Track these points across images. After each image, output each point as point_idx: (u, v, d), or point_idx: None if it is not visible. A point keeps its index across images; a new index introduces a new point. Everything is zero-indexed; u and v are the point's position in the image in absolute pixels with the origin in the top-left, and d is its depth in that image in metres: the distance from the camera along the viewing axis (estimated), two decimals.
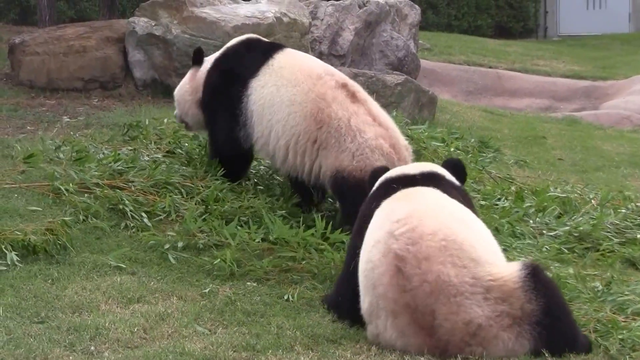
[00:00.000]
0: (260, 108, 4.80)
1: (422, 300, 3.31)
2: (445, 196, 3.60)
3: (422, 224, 3.41)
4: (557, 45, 17.14)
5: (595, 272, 4.54)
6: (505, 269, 3.37)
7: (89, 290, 3.86)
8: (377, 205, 3.64)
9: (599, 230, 5.14)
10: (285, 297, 3.99)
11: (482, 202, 5.53)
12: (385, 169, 3.94)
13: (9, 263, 4.02)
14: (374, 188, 3.83)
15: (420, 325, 3.33)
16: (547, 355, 3.34)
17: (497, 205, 5.55)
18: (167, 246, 4.37)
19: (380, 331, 3.46)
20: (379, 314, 3.45)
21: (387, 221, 3.51)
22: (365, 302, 3.54)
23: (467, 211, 3.61)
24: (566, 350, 3.37)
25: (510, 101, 12.22)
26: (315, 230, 4.52)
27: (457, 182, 3.83)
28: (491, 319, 3.26)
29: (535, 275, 3.34)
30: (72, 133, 6.03)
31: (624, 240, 5.13)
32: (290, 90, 4.71)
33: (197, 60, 5.29)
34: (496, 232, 4.96)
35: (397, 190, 3.62)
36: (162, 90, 7.76)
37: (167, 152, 5.52)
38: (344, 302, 3.75)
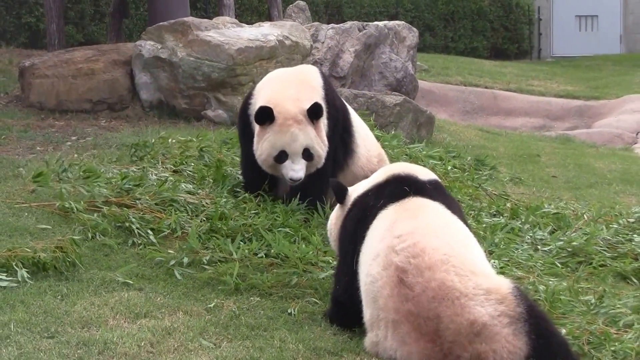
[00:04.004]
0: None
1: (426, 305, 3.39)
2: (448, 212, 3.71)
3: (424, 240, 3.50)
4: (551, 66, 17.28)
5: (588, 286, 4.59)
6: (499, 279, 3.55)
7: (97, 306, 3.91)
8: (384, 206, 3.72)
9: (592, 245, 5.20)
10: (288, 312, 4.05)
11: (486, 220, 5.59)
12: (339, 182, 4.14)
13: (20, 280, 4.06)
14: (380, 181, 3.89)
15: (422, 332, 3.40)
16: None
17: (492, 221, 5.61)
18: (172, 262, 4.43)
19: (380, 340, 3.53)
20: (379, 325, 3.52)
21: (388, 235, 3.58)
22: (366, 314, 3.62)
23: (464, 228, 3.73)
24: (554, 347, 3.49)
25: (506, 120, 12.36)
26: (315, 247, 4.62)
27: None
28: (494, 317, 3.37)
29: (517, 287, 3.53)
30: (80, 153, 6.07)
31: (615, 254, 5.18)
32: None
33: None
34: (495, 247, 5.04)
35: (408, 196, 3.71)
36: (168, 111, 7.84)
37: (174, 171, 5.58)
38: (343, 299, 3.86)
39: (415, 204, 3.70)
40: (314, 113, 5.01)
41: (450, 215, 3.70)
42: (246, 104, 5.33)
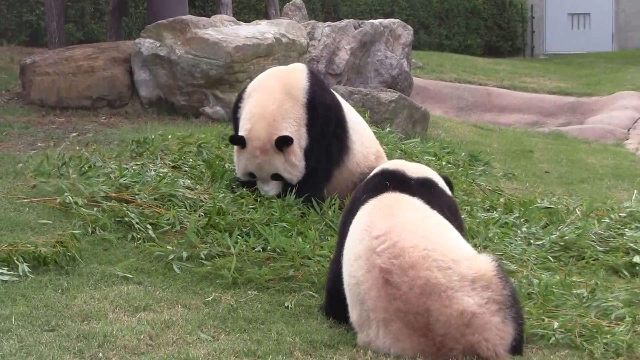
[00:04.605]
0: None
1: (414, 302, 3.42)
2: (425, 207, 3.71)
3: (401, 239, 3.52)
4: (544, 64, 17.33)
5: (580, 280, 4.63)
6: (482, 261, 3.54)
7: (97, 300, 3.95)
8: (365, 201, 3.76)
9: (584, 239, 5.24)
10: (285, 305, 4.09)
11: (480, 215, 5.64)
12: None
13: (21, 274, 4.11)
14: (370, 176, 3.96)
15: (414, 328, 3.43)
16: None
17: (486, 216, 5.66)
18: (171, 257, 4.48)
19: (372, 339, 3.56)
20: (370, 325, 3.54)
21: (366, 236, 3.61)
22: (353, 314, 3.64)
23: (441, 218, 3.71)
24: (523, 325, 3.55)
25: (499, 117, 12.41)
26: (312, 241, 4.67)
27: (447, 191, 4.00)
28: (482, 306, 3.39)
29: (500, 265, 3.55)
30: (81, 149, 6.08)
31: (607, 248, 5.22)
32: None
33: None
34: (489, 241, 5.07)
35: (386, 191, 3.74)
36: (167, 108, 7.90)
37: (173, 166, 5.63)
38: (333, 289, 3.91)
39: (392, 199, 3.72)
40: (281, 144, 5.21)
41: (428, 209, 3.70)
42: (236, 106, 5.55)
